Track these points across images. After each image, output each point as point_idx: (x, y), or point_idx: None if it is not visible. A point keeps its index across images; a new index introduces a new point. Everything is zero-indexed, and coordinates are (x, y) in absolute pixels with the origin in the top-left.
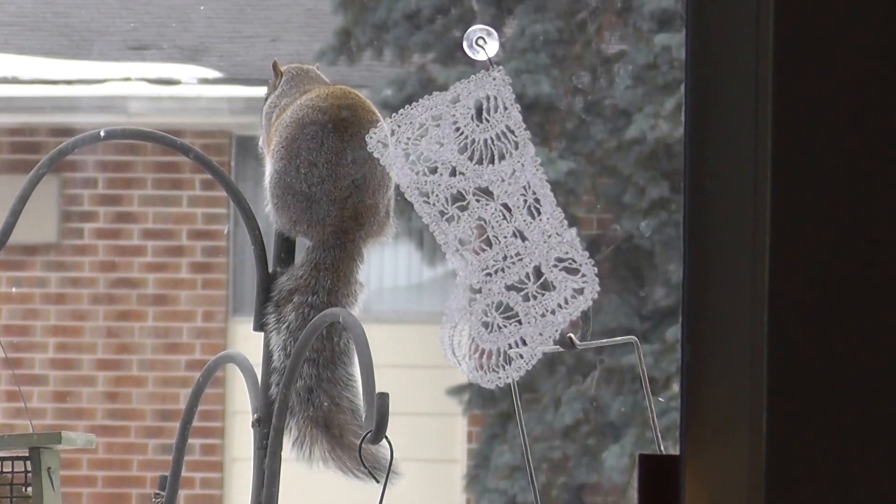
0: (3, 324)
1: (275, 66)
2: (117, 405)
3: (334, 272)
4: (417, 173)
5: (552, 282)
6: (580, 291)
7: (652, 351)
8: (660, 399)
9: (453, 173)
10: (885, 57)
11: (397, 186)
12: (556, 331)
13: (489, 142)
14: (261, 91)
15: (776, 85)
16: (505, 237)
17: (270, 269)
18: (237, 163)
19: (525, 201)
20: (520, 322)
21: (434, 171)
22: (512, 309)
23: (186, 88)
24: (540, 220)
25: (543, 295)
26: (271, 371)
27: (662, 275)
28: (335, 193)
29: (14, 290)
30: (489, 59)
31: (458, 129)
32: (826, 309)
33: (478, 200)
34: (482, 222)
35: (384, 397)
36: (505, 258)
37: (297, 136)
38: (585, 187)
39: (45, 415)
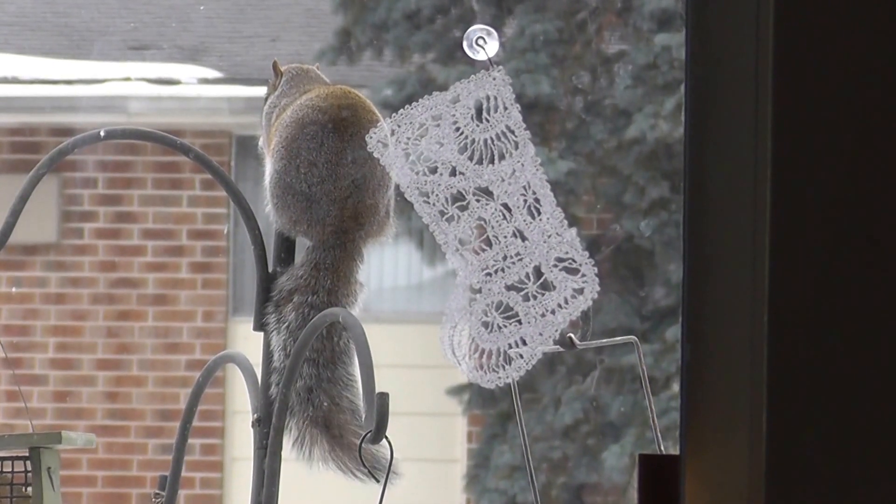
0: (3, 324)
1: (275, 66)
2: (117, 405)
3: (334, 272)
4: (417, 173)
5: (552, 282)
6: (580, 291)
7: (652, 351)
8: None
9: (453, 173)
10: (885, 57)
11: (397, 186)
12: (556, 331)
13: (489, 142)
14: (261, 91)
15: (776, 85)
16: (505, 237)
17: (270, 269)
18: (237, 163)
19: (525, 201)
20: (520, 322)
21: (434, 170)
22: (512, 309)
23: (186, 88)
24: (540, 220)
25: (543, 295)
26: (271, 371)
27: (662, 275)
28: (335, 193)
29: (14, 290)
30: (489, 59)
31: (458, 128)
32: (826, 309)
33: (478, 200)
34: (482, 222)
35: (384, 397)
36: (505, 258)
37: (297, 136)
38: (585, 187)
39: (45, 415)
